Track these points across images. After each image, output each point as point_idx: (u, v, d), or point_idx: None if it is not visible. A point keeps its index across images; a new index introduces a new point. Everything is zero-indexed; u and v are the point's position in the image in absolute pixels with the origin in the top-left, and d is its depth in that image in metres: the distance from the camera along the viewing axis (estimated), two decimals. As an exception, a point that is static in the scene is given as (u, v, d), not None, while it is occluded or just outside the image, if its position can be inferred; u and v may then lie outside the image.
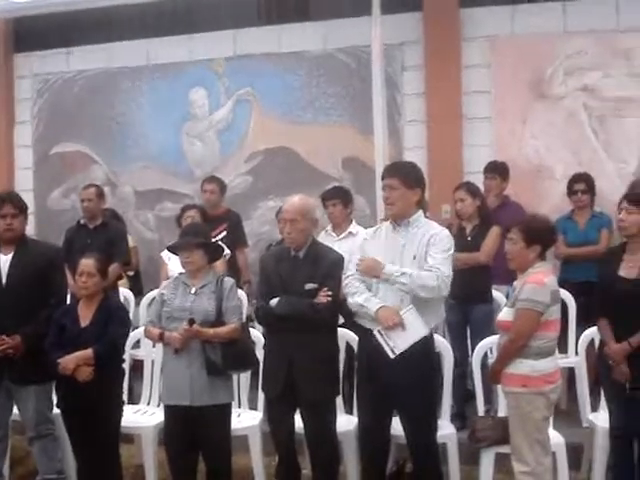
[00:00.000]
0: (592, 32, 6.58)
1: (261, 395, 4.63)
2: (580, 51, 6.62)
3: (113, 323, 4.28)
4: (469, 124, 6.82)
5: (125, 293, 6.16)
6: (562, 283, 5.06)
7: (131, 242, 6.62)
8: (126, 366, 4.61)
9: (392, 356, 3.90)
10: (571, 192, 6.03)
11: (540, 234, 3.90)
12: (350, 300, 4.09)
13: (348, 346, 4.59)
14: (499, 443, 4.04)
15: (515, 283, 3.97)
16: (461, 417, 5.08)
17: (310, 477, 4.29)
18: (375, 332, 3.95)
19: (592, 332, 4.56)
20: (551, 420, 4.02)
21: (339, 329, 4.40)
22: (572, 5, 6.61)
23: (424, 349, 3.95)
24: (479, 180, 6.03)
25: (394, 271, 3.91)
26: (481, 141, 6.81)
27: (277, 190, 7.04)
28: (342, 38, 6.96)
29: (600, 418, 4.41)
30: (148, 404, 4.97)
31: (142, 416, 4.82)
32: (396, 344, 3.90)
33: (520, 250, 3.88)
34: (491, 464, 4.13)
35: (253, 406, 4.80)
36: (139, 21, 7.47)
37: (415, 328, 3.90)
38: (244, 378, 4.77)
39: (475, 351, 4.63)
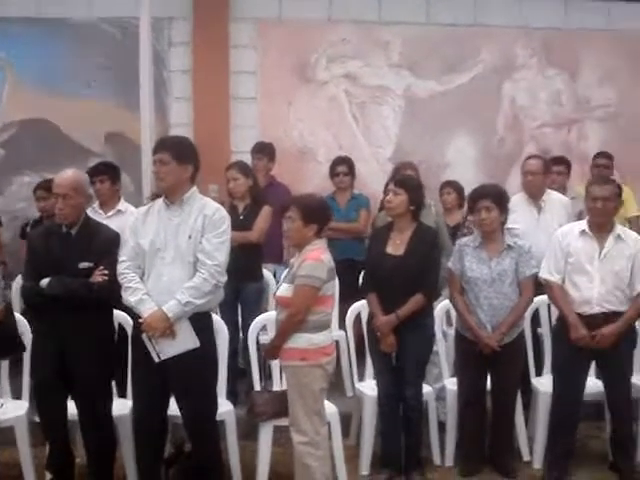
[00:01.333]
0: (355, 22, 6.93)
1: (26, 382, 4.34)
2: (343, 40, 6.94)
3: None
4: (236, 104, 6.85)
5: None
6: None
7: None
8: None
9: (157, 360, 3.84)
10: (333, 174, 6.35)
11: (317, 213, 4.00)
12: (123, 294, 3.93)
13: (121, 327, 4.44)
14: (277, 416, 4.12)
15: (292, 260, 4.06)
16: (233, 394, 5.11)
17: (85, 464, 4.12)
18: (143, 336, 3.85)
19: (358, 306, 4.80)
20: (324, 391, 4.19)
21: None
22: (338, -5, 6.90)
23: (200, 327, 3.90)
24: (247, 160, 6.07)
25: (177, 308, 3.78)
26: (248, 121, 6.88)
27: (34, 165, 6.59)
28: (108, 7, 6.62)
29: (367, 387, 4.67)
30: None
31: None
32: (162, 350, 3.84)
33: (298, 228, 3.96)
34: (269, 437, 4.20)
35: (16, 395, 4.48)
36: None
37: (185, 339, 3.85)
38: (4, 365, 4.42)
39: (250, 328, 4.64)
